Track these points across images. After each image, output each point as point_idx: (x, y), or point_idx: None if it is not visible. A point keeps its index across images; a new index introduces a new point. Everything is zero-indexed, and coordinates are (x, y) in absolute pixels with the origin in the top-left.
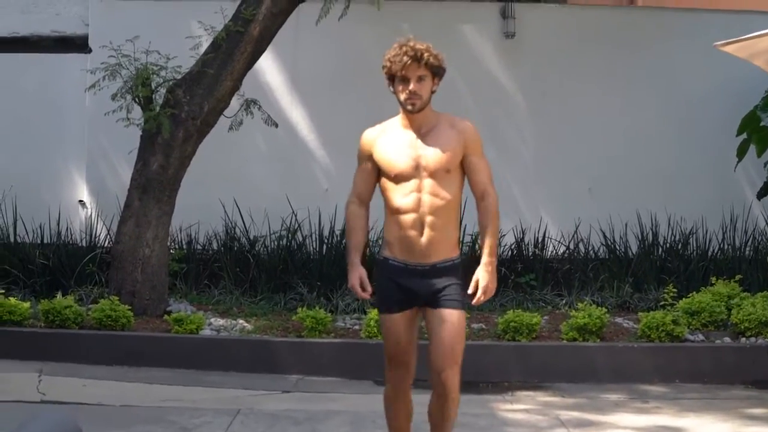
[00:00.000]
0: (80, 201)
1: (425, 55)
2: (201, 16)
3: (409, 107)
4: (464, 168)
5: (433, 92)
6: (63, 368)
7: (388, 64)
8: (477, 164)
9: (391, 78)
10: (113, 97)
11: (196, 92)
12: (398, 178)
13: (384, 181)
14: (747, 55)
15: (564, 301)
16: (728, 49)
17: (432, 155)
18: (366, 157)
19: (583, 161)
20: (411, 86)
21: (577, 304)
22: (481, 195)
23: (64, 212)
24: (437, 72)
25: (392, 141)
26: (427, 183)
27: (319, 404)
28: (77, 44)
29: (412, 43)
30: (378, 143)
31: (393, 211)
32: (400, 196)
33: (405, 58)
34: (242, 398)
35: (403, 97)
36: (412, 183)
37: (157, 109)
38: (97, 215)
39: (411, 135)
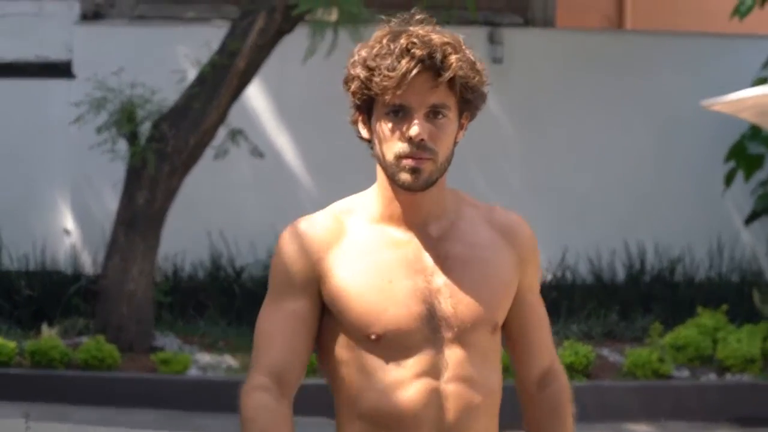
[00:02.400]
0: (65, 229)
1: (451, 59)
2: (187, 42)
3: (407, 176)
4: (510, 316)
5: (455, 144)
6: (50, 411)
7: (363, 73)
8: (536, 310)
9: (365, 104)
10: (98, 130)
11: (181, 126)
12: (387, 347)
13: (344, 349)
14: (733, 111)
15: (552, 330)
16: (715, 107)
17: (462, 297)
18: (299, 286)
19: (570, 187)
20: (415, 128)
21: (564, 335)
22: (544, 374)
23: (49, 241)
24: (471, 101)
25: (369, 254)
26: (453, 357)
27: None
28: (62, 70)
29: (421, 32)
30: (334, 256)
31: (366, 419)
32: (389, 387)
33: (406, 64)
34: None
35: (395, 150)
36: (419, 359)
37: (143, 143)
38: (82, 244)
39: (412, 243)
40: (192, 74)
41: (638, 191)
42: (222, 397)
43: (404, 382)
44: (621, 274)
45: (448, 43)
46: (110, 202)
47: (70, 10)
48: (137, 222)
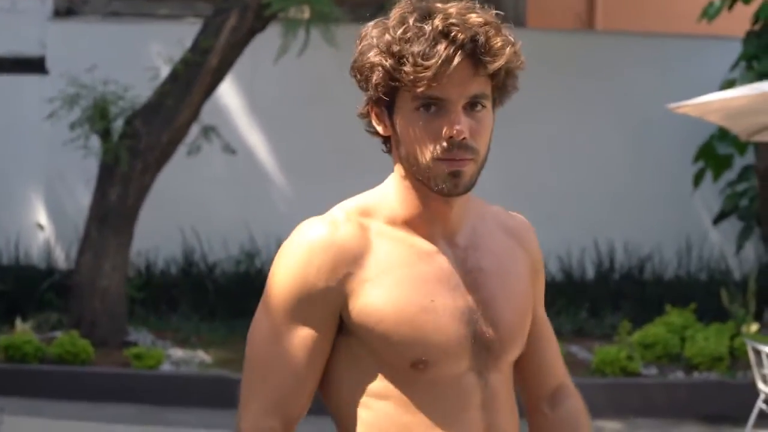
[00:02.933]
0: (38, 224)
1: (497, 43)
2: (160, 39)
3: (448, 181)
4: None
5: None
6: (25, 405)
7: (387, 61)
8: (547, 324)
9: (388, 95)
10: (71, 126)
11: (154, 123)
12: (432, 377)
13: (375, 381)
14: (700, 114)
15: None
16: (682, 110)
17: (501, 316)
18: (319, 306)
19: (541, 186)
20: (458, 126)
21: None
22: (556, 390)
23: (22, 236)
24: (508, 88)
25: (403, 268)
26: (496, 385)
27: None
28: (35, 65)
29: (455, 10)
30: (365, 270)
31: None
32: (437, 424)
33: (445, 50)
34: None
35: (431, 151)
36: (466, 389)
37: (116, 139)
38: (56, 239)
39: (442, 253)
40: (165, 71)
41: (608, 190)
42: (194, 391)
43: (453, 416)
44: (591, 272)
45: (488, 23)
46: (83, 197)
47: (43, 5)
48: (110, 218)
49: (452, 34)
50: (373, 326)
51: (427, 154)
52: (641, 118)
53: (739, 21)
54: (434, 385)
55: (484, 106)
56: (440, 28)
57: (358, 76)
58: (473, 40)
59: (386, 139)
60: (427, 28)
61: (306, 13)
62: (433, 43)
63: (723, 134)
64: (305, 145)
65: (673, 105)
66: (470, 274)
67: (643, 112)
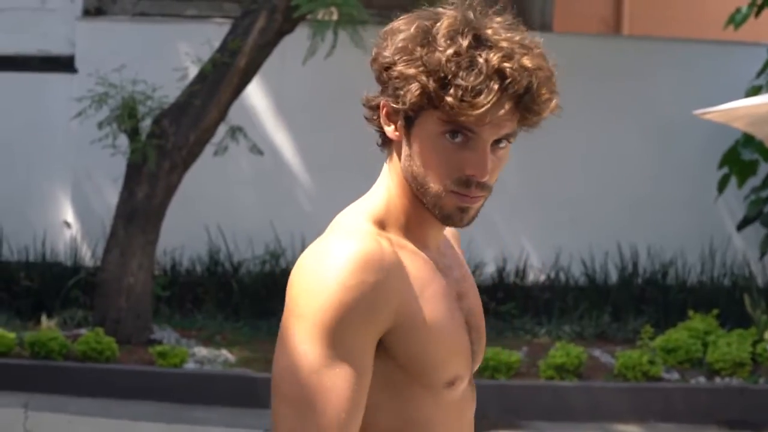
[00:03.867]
0: (65, 222)
1: (544, 94)
2: (188, 39)
3: (454, 215)
4: None
5: None
6: (49, 401)
7: (430, 83)
8: None
9: (414, 110)
10: (99, 126)
11: (182, 123)
12: (456, 391)
13: (409, 402)
14: (726, 120)
15: (543, 330)
16: (708, 116)
17: (479, 327)
18: (374, 332)
19: (564, 191)
20: (485, 166)
21: (556, 335)
22: None
23: (49, 233)
24: (533, 127)
25: (431, 284)
26: (473, 395)
27: None
28: (64, 64)
29: (509, 45)
30: (408, 290)
31: None
32: None
33: (497, 95)
34: None
35: (446, 181)
36: (467, 398)
37: (144, 139)
38: (82, 236)
39: (439, 263)
40: (193, 72)
41: (632, 195)
42: (219, 390)
43: (467, 428)
44: (614, 277)
45: (541, 68)
46: (110, 196)
47: (73, 4)
48: (137, 217)
49: (507, 77)
50: (419, 348)
51: (441, 183)
52: (666, 123)
53: (767, 27)
54: (457, 401)
55: (508, 142)
56: (496, 66)
57: (384, 76)
58: (527, 90)
59: (388, 139)
60: (481, 60)
61: (334, 15)
62: (487, 82)
63: (748, 140)
64: (331, 146)
65: (698, 111)
66: (457, 285)
67: (668, 117)
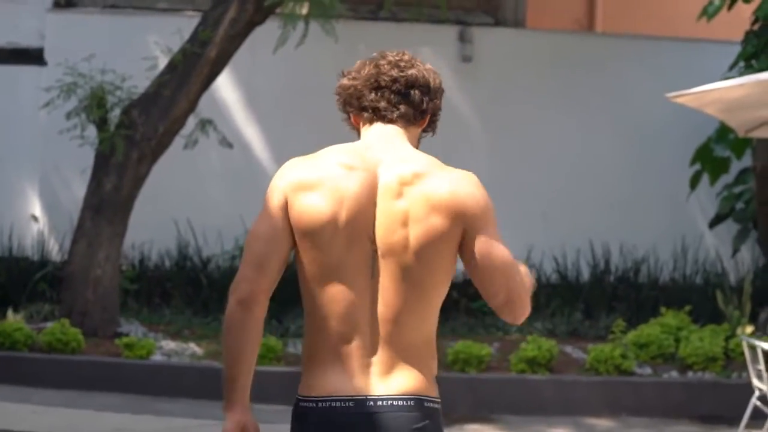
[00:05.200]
0: (33, 216)
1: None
2: (159, 32)
3: None
4: None
5: None
6: (13, 392)
7: None
8: None
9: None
10: (68, 116)
11: (151, 113)
12: None
13: None
14: (698, 105)
15: (515, 328)
16: (681, 100)
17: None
18: None
19: (537, 186)
20: None
21: (527, 333)
22: None
23: (16, 227)
24: None
25: None
26: None
27: None
28: (33, 56)
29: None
30: None
31: None
32: None
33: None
34: (191, 428)
35: None
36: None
37: (112, 129)
38: (50, 231)
39: None
40: (163, 62)
41: (604, 192)
42: (185, 382)
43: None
44: (586, 274)
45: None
46: (78, 190)
47: None
48: (104, 208)
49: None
50: None
51: None
52: (638, 120)
53: (737, 25)
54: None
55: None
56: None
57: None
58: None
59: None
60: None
61: (305, 9)
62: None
63: (720, 136)
64: (302, 140)
65: (671, 94)
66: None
67: (641, 114)
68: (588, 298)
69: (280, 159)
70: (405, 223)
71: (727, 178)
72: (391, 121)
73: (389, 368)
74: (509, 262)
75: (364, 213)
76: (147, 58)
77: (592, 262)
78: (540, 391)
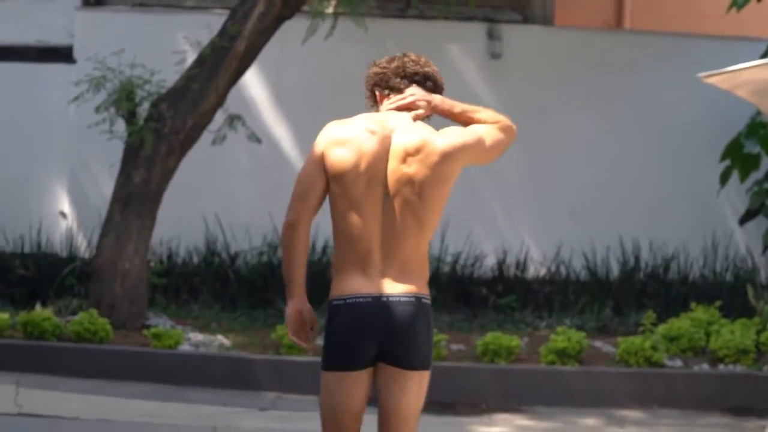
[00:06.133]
0: (61, 212)
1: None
2: (187, 29)
3: None
4: None
5: None
6: (41, 381)
7: None
8: None
9: None
10: (97, 109)
11: (180, 107)
12: None
13: None
14: (730, 87)
15: (544, 323)
16: (712, 80)
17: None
18: None
19: (566, 184)
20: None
21: (557, 327)
22: None
23: (45, 223)
24: None
25: None
26: None
27: (296, 423)
28: (62, 54)
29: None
30: None
31: None
32: None
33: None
34: (219, 415)
35: None
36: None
37: (141, 123)
38: (78, 227)
39: None
40: (192, 57)
41: (634, 189)
42: (213, 371)
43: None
44: (615, 271)
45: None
46: (106, 187)
47: None
48: (133, 201)
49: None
50: None
51: None
52: (668, 117)
53: (766, 21)
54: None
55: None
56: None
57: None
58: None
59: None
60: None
61: (332, 5)
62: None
63: (751, 132)
64: None
65: (703, 74)
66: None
67: (669, 111)
68: (617, 295)
69: (307, 155)
70: (408, 174)
71: (757, 175)
72: None
73: (396, 276)
74: (492, 133)
75: (378, 165)
76: (176, 52)
77: (621, 258)
78: (570, 383)
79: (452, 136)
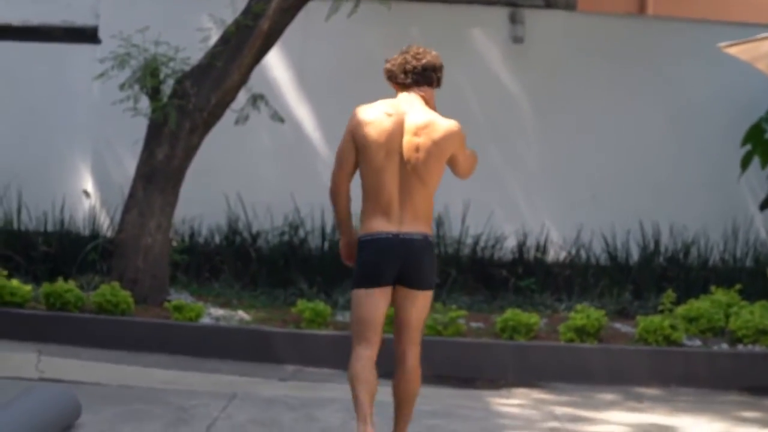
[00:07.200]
0: (84, 191)
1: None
2: (212, 9)
3: None
4: None
5: None
6: (62, 350)
7: None
8: None
9: None
10: (121, 86)
11: (203, 84)
12: None
13: None
14: (750, 58)
15: (563, 306)
16: (732, 50)
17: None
18: None
19: (587, 168)
20: None
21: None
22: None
23: (68, 201)
24: None
25: None
26: None
27: (315, 392)
28: (87, 35)
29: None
30: None
31: None
32: None
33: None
34: (238, 384)
35: None
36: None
37: (165, 99)
38: (101, 205)
39: None
40: (216, 35)
41: (655, 173)
42: (233, 344)
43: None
44: (635, 255)
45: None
46: (130, 166)
47: None
48: (156, 177)
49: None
50: None
51: None
52: (690, 102)
53: None
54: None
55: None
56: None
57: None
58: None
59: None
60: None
61: None
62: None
63: None
64: None
65: (723, 44)
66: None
67: (691, 96)
68: (637, 279)
69: (329, 137)
70: (418, 148)
71: None
72: (413, 90)
73: (409, 220)
74: (471, 161)
75: (395, 139)
76: (200, 30)
77: (641, 242)
78: (588, 360)
79: (452, 122)
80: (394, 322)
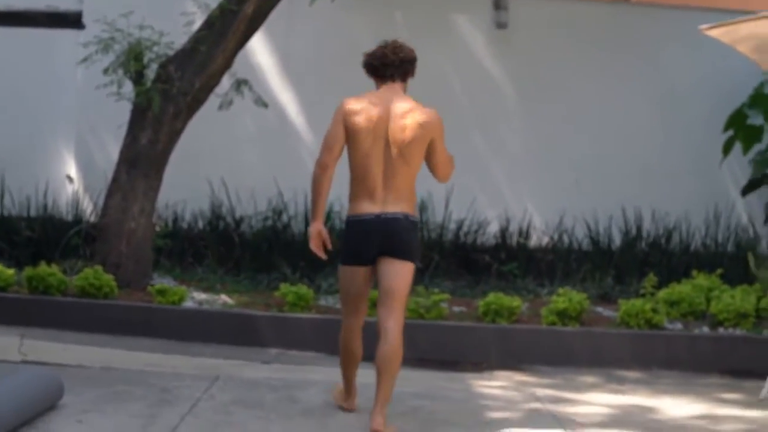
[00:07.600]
0: (68, 176)
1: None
2: None
3: None
4: None
5: None
6: (45, 334)
7: None
8: None
9: None
10: (105, 71)
11: (187, 69)
12: None
13: None
14: (731, 40)
15: (546, 291)
16: (713, 33)
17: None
18: None
19: (570, 153)
20: None
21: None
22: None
23: (51, 186)
24: None
25: None
26: None
27: (298, 374)
28: (71, 20)
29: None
30: None
31: None
32: None
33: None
34: (222, 366)
35: None
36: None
37: (149, 84)
38: (84, 190)
39: None
40: (200, 20)
41: (637, 159)
42: (217, 327)
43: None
44: (617, 240)
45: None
46: (113, 151)
47: None
48: (140, 162)
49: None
50: None
51: None
52: (672, 87)
53: None
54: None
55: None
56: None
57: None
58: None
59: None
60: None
61: None
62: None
63: (754, 102)
64: (335, 105)
65: (704, 26)
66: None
67: (674, 83)
68: (619, 264)
69: (313, 123)
70: (404, 128)
71: (760, 146)
72: (393, 81)
73: (392, 201)
74: (448, 158)
75: (381, 126)
76: (185, 14)
77: (623, 228)
78: (570, 343)
79: (433, 110)
80: (378, 294)
